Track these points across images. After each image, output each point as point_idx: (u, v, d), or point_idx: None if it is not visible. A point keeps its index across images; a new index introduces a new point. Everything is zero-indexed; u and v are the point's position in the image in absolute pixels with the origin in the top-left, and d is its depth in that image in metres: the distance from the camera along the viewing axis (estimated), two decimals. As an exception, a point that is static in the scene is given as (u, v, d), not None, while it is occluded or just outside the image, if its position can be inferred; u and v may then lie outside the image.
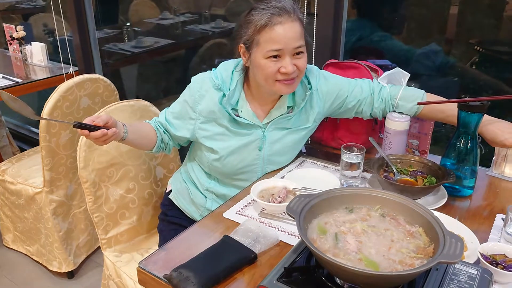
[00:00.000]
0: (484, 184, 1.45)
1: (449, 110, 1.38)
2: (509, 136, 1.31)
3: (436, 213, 1.20)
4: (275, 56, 1.29)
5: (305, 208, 0.92)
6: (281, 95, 1.43)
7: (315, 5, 1.71)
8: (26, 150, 2.58)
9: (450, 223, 1.17)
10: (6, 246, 2.47)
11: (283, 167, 1.52)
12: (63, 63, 2.70)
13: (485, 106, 1.26)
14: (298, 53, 1.31)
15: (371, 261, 0.82)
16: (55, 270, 2.23)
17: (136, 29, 3.63)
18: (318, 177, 1.44)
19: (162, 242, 1.60)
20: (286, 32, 1.27)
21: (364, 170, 1.41)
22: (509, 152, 1.40)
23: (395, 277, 0.77)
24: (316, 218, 0.94)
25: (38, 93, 3.11)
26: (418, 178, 1.34)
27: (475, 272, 0.90)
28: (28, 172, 2.25)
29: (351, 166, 1.37)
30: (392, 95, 1.46)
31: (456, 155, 1.33)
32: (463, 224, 1.17)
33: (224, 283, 1.01)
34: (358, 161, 1.36)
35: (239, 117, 1.40)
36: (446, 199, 1.30)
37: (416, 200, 1.29)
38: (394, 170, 1.37)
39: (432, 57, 1.84)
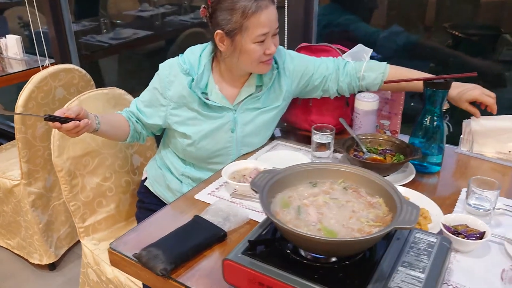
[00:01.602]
0: (453, 161, 1.49)
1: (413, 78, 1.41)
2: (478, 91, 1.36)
3: (404, 189, 1.24)
4: (263, 40, 1.33)
5: (269, 183, 0.93)
6: (249, 76, 1.46)
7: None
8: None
9: (417, 198, 1.20)
10: (-13, 241, 2.46)
11: (257, 150, 1.54)
12: (40, 55, 2.68)
13: (449, 83, 1.29)
14: (275, 34, 1.36)
15: (330, 230, 0.84)
16: (36, 262, 2.22)
17: (115, 21, 3.61)
18: (290, 158, 1.45)
19: None
20: (270, 15, 1.31)
21: (335, 151, 1.44)
22: (473, 127, 1.44)
23: (351, 243, 0.79)
24: (281, 192, 0.96)
25: (16, 86, 3.08)
26: (387, 156, 1.37)
27: (435, 240, 0.92)
28: (5, 165, 2.24)
29: (322, 146, 1.39)
30: (357, 68, 1.49)
31: (424, 133, 1.36)
32: (428, 198, 1.20)
33: (193, 260, 1.02)
34: (328, 141, 1.38)
35: (209, 100, 1.42)
36: (414, 175, 1.33)
37: (386, 177, 1.32)
38: (364, 149, 1.39)
39: (393, 37, 1.87)
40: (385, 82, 1.45)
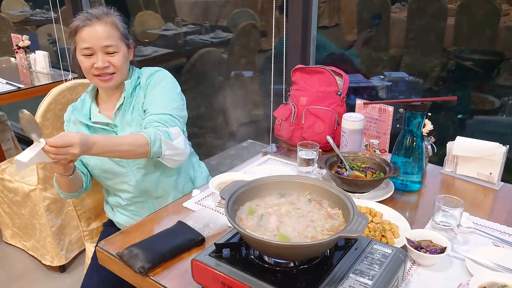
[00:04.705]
0: (437, 181, 1.53)
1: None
2: None
3: (379, 205, 1.30)
4: (87, 53, 1.46)
5: (239, 191, 1.02)
6: (123, 93, 1.54)
7: (285, 15, 1.83)
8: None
9: (389, 213, 1.26)
10: (5, 242, 2.62)
11: (248, 163, 1.62)
12: (64, 70, 2.86)
13: (426, 105, 1.35)
14: (111, 52, 1.47)
15: (284, 236, 0.92)
16: (47, 264, 2.36)
17: (138, 39, 3.81)
18: (278, 172, 1.53)
19: None
20: (94, 32, 1.45)
21: (320, 167, 1.51)
22: (454, 152, 1.49)
23: (300, 247, 0.87)
24: (250, 201, 1.04)
25: (42, 98, 3.29)
26: (368, 173, 1.43)
27: (390, 252, 0.98)
28: (25, 171, 2.39)
29: (307, 162, 1.47)
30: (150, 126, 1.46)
31: (404, 152, 1.42)
32: (400, 215, 1.25)
33: (171, 261, 1.12)
34: (313, 157, 1.46)
35: (92, 122, 1.53)
36: (392, 192, 1.39)
37: (366, 193, 1.39)
38: (347, 166, 1.46)
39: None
40: (365, 103, 1.53)
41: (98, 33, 1.45)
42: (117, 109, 1.54)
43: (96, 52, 1.46)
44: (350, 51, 2.39)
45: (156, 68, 1.60)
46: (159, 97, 1.51)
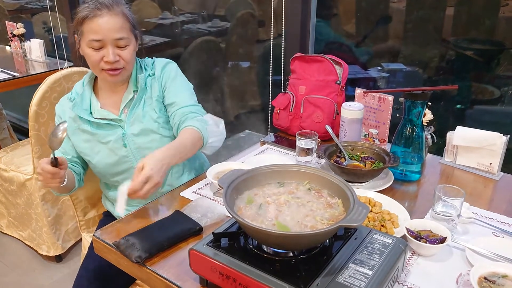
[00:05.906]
0: (436, 171, 1.52)
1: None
2: None
3: (378, 195, 1.29)
4: (97, 46, 1.37)
5: (237, 180, 1.00)
6: (128, 84, 1.50)
7: (283, 2, 1.80)
8: (23, 141, 2.72)
9: (389, 203, 1.25)
10: (1, 232, 2.61)
11: (246, 153, 1.61)
12: (60, 59, 2.83)
13: (427, 95, 1.34)
14: (122, 46, 1.40)
15: (283, 226, 0.90)
16: (44, 253, 2.35)
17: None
18: (277, 162, 1.52)
19: None
20: (105, 24, 1.36)
21: (319, 156, 1.50)
22: (454, 142, 1.48)
23: (297, 237, 0.85)
24: (249, 190, 1.03)
25: (37, 86, 3.26)
26: (367, 163, 1.42)
27: (390, 241, 0.97)
28: (20, 160, 2.38)
29: (305, 151, 1.45)
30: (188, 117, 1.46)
31: (403, 142, 1.40)
32: (400, 204, 1.24)
33: (168, 250, 1.10)
34: (312, 147, 1.44)
35: (95, 118, 1.47)
36: (391, 182, 1.38)
37: (365, 183, 1.38)
38: (346, 155, 1.45)
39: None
40: (364, 92, 1.51)
41: (109, 25, 1.36)
42: (125, 104, 1.48)
43: (106, 45, 1.37)
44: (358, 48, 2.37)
45: (166, 59, 1.56)
46: (182, 90, 1.51)
